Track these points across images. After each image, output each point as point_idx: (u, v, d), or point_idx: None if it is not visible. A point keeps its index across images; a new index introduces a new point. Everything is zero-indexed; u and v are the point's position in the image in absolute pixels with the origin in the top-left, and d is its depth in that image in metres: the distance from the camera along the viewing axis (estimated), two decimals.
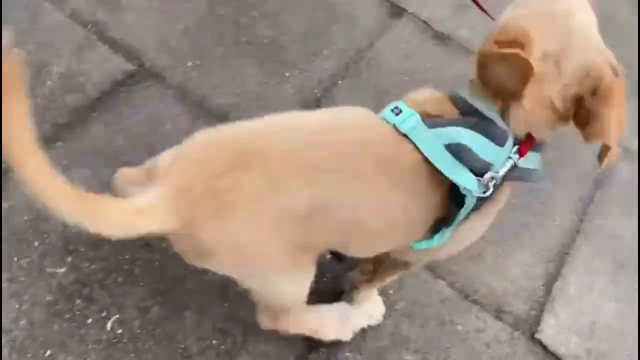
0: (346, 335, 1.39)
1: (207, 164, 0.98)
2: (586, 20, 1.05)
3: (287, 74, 1.88)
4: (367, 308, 1.45)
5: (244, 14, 1.96)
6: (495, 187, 1.05)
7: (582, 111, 1.04)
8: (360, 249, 1.17)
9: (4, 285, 1.33)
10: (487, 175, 1.03)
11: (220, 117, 1.71)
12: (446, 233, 1.12)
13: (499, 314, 1.59)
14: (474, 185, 1.03)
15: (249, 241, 1.00)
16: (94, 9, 1.82)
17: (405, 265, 1.35)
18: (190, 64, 1.80)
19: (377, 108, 1.82)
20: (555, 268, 1.72)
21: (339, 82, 1.92)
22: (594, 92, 1.02)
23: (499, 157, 1.04)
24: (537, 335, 1.59)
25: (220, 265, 1.07)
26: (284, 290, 1.16)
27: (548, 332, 1.60)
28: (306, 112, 1.12)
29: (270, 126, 1.04)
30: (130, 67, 1.73)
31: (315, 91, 1.87)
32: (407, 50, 2.08)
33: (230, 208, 0.97)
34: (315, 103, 1.83)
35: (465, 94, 1.08)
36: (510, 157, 1.05)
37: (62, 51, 1.70)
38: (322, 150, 1.01)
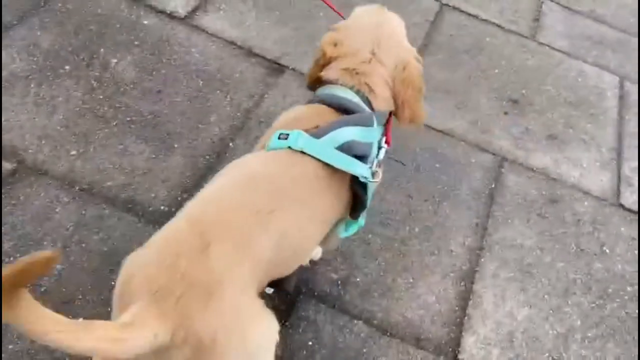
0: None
1: (170, 260, 0.96)
2: (393, 28, 1.40)
3: (175, 145, 1.88)
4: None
5: (123, 94, 1.96)
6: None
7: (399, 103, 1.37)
8: (303, 259, 1.28)
9: None
10: (374, 164, 1.27)
11: (111, 199, 1.68)
12: (364, 214, 1.34)
13: (419, 342, 1.61)
14: (368, 173, 1.24)
15: (243, 308, 0.99)
16: None
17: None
18: (74, 152, 1.77)
19: None
20: (466, 287, 1.77)
21: (230, 144, 1.94)
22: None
23: (374, 136, 1.29)
24: (460, 356, 1.61)
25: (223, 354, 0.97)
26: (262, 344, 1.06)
27: (470, 350, 1.63)
28: (214, 184, 1.15)
29: (199, 205, 1.09)
30: (9, 165, 1.68)
31: (207, 156, 1.88)
32: (293, 103, 2.13)
33: (216, 287, 0.95)
34: (207, 169, 1.84)
35: (336, 93, 1.31)
36: (381, 147, 1.32)
37: None
38: (258, 198, 1.10)
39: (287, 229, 1.11)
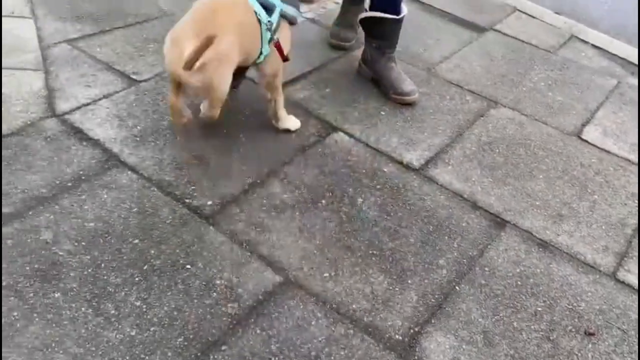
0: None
1: (201, 19, 2.19)
2: None
3: (409, 281, 2.11)
4: (288, 123, 2.71)
5: (367, 230, 2.28)
6: (275, 23, 2.35)
7: None
8: (255, 49, 2.35)
9: None
10: (272, 17, 2.32)
11: (355, 321, 1.93)
12: (266, 45, 2.35)
13: None
14: (265, 18, 2.29)
15: (232, 52, 2.17)
16: (247, 230, 2.19)
17: (268, 81, 2.52)
18: (326, 274, 2.08)
19: (495, 310, 2.00)
20: None
21: (457, 287, 2.13)
22: None
23: (276, 2, 2.35)
24: None
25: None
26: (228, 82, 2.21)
27: None
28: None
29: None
30: (278, 279, 2.02)
31: (436, 295, 2.08)
32: (515, 257, 2.29)
33: (222, 33, 2.07)
34: (437, 306, 2.03)
35: None
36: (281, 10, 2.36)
37: (224, 266, 2.03)
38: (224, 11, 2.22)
39: (239, 25, 2.22)
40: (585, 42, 3.87)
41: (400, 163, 2.65)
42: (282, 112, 2.65)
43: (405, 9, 2.98)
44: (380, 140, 2.75)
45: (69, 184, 2.22)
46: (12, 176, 2.21)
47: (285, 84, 3.00)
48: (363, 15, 3.02)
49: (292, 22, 2.43)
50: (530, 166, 2.77)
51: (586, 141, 3.00)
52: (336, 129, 2.78)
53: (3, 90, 2.58)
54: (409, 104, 3.01)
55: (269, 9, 2.30)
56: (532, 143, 2.92)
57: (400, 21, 2.98)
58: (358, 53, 3.33)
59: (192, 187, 2.32)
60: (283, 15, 2.37)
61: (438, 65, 3.38)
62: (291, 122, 2.70)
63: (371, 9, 2.97)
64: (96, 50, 2.96)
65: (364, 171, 2.57)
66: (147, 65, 2.93)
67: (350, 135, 2.76)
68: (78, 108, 2.58)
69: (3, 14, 3.05)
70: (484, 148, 2.83)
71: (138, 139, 2.49)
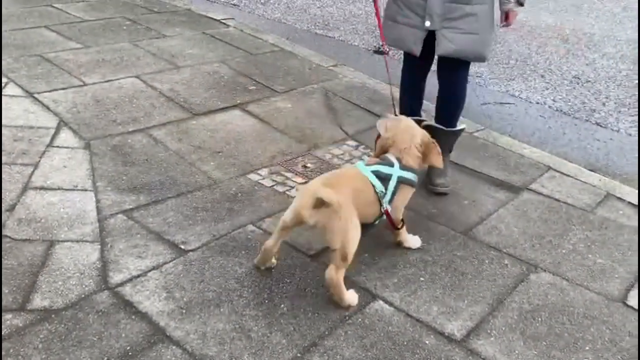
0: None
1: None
2: (412, 128, 3.10)
3: None
4: (410, 242, 3.23)
5: None
6: (392, 191, 2.92)
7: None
8: (368, 217, 2.88)
9: None
10: (382, 188, 2.87)
11: None
12: (385, 202, 2.90)
13: None
14: (381, 187, 2.86)
15: (353, 216, 2.70)
16: None
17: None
18: None
19: None
20: None
21: None
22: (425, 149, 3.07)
23: (394, 171, 2.92)
24: None
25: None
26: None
27: None
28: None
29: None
30: None
31: None
32: None
33: (342, 205, 2.61)
34: None
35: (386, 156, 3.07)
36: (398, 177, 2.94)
37: None
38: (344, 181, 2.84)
39: (356, 197, 2.73)
40: (622, 200, 3.91)
41: (442, 334, 2.64)
42: (403, 238, 3.20)
43: (461, 125, 3.85)
44: (420, 309, 2.77)
45: None
46: (64, 353, 2.30)
47: (323, 251, 3.11)
48: (426, 123, 3.75)
49: (412, 184, 3.03)
50: (575, 336, 2.71)
51: (632, 307, 2.94)
52: (376, 297, 2.82)
53: (63, 262, 2.76)
54: (437, 194, 3.76)
55: (383, 179, 2.86)
56: (576, 310, 2.88)
57: (453, 133, 3.81)
58: None
59: None
60: (402, 181, 2.94)
61: (475, 228, 3.45)
62: (412, 241, 3.24)
63: (435, 120, 3.81)
64: (149, 220, 3.17)
65: (405, 343, 2.56)
66: (195, 234, 3.10)
67: (390, 304, 2.78)
68: (129, 280, 2.72)
69: (67, 187, 3.33)
70: (526, 317, 2.80)
71: (184, 311, 2.59)
